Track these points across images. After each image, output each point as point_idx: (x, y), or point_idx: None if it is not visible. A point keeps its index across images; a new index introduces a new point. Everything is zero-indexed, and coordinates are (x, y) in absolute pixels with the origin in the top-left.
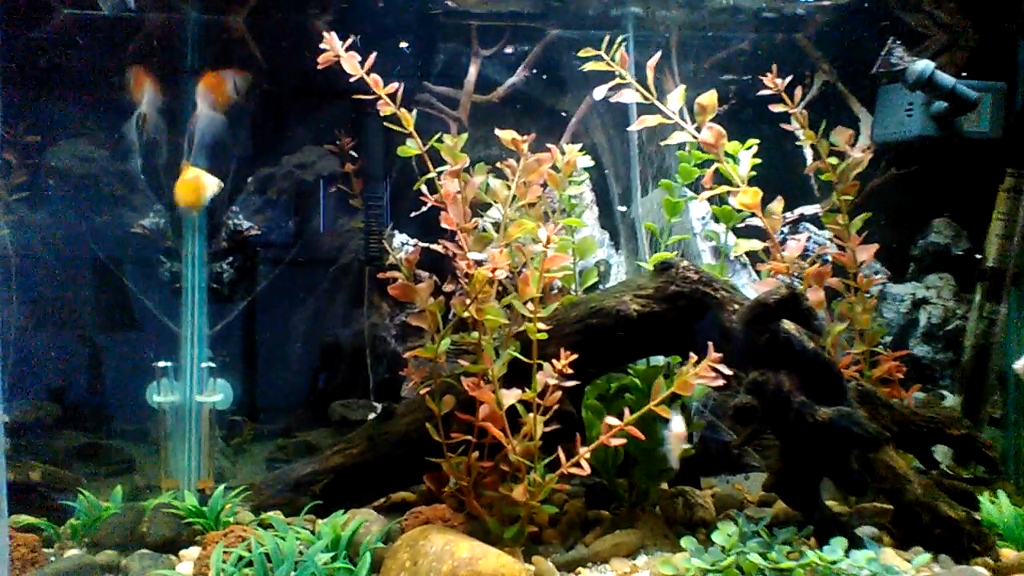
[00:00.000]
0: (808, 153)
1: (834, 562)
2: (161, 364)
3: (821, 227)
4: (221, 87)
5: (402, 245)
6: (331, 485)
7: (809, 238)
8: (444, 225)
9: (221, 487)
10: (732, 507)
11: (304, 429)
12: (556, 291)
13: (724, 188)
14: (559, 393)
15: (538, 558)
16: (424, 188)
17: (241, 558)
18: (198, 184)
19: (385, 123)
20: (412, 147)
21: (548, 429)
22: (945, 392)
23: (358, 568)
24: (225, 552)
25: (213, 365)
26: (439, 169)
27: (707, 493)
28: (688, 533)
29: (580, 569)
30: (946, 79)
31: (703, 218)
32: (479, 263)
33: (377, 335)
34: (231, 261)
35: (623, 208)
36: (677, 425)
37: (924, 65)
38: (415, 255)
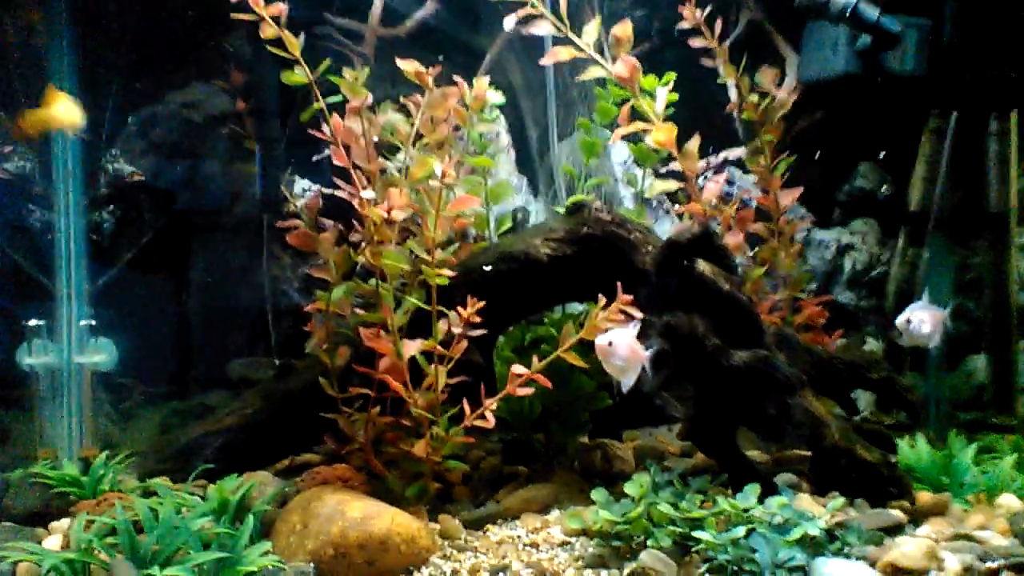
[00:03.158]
0: (733, 94)
1: (746, 509)
2: (32, 322)
3: (747, 171)
4: None
5: (303, 191)
6: (226, 448)
7: (730, 181)
8: (336, 163)
9: (103, 454)
10: (653, 459)
11: (202, 391)
12: (471, 239)
13: (639, 125)
14: (464, 343)
15: (444, 516)
16: (324, 127)
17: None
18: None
19: (269, 48)
20: (300, 75)
21: (454, 381)
22: (869, 339)
23: (240, 532)
24: (92, 521)
25: (94, 323)
26: (328, 100)
27: (628, 446)
28: (605, 486)
29: (489, 526)
30: (870, 12)
31: (625, 162)
32: (374, 202)
33: (278, 288)
34: (112, 210)
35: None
36: (626, 342)
37: None
38: (315, 201)
